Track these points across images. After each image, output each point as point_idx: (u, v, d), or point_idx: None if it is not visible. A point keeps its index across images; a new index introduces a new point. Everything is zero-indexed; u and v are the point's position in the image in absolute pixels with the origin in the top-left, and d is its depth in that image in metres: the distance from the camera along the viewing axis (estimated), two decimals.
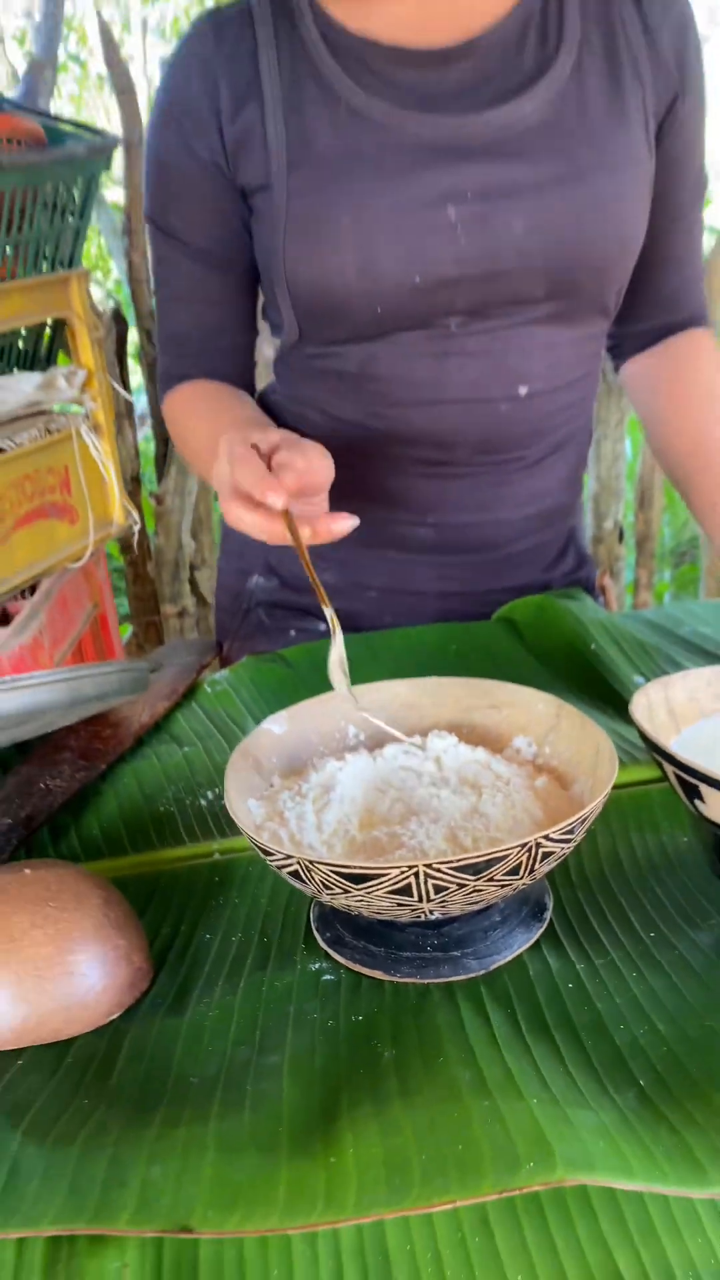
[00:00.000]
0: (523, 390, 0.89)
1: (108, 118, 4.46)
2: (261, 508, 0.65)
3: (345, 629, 1.01)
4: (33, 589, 1.19)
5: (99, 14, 1.71)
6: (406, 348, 0.86)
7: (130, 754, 0.83)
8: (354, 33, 0.83)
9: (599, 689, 0.85)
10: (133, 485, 1.82)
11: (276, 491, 0.63)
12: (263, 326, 1.00)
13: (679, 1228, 0.41)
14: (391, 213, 0.81)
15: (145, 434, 2.02)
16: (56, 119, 1.22)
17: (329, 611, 0.67)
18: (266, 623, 1.03)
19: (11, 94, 1.61)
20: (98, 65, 4.53)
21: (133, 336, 1.84)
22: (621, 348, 1.00)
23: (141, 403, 1.74)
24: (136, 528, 1.27)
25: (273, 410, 0.97)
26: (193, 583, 1.89)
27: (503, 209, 0.81)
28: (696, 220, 0.95)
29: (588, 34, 0.83)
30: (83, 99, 4.58)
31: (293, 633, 1.02)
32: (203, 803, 0.76)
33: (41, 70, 1.63)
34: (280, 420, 0.96)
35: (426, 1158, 0.40)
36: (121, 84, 1.64)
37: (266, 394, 1.00)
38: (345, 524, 0.67)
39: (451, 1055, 0.48)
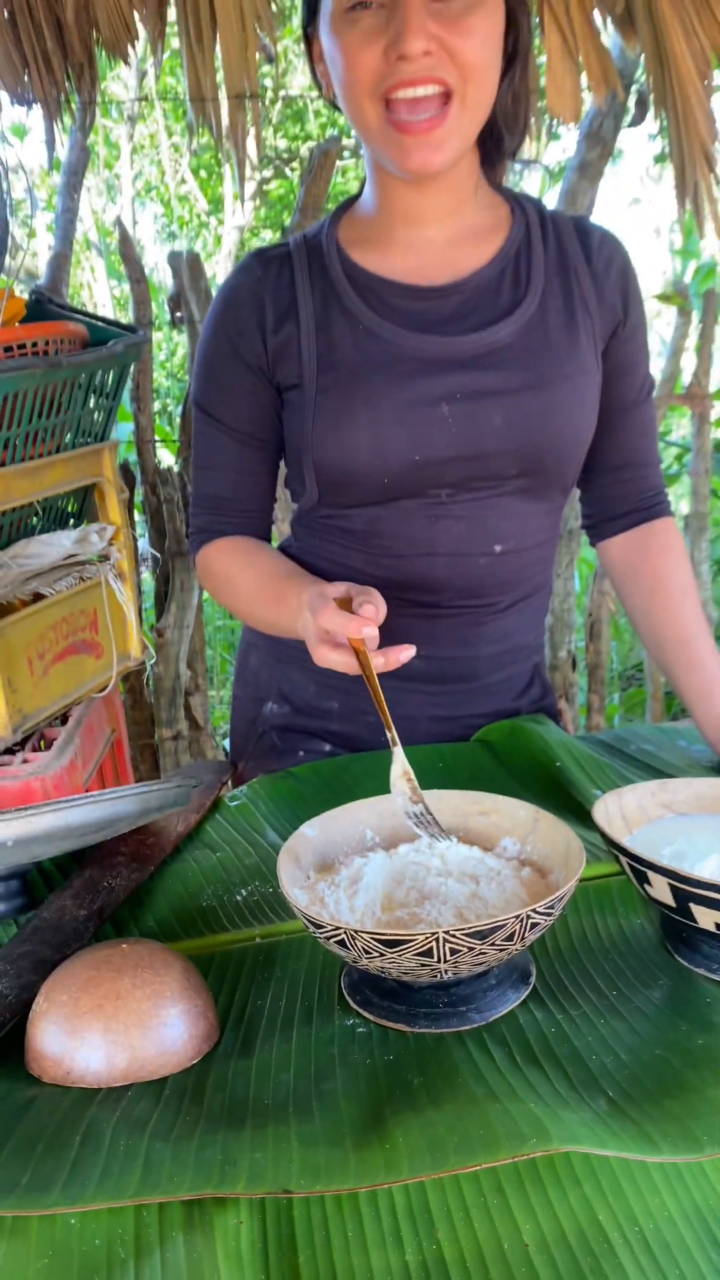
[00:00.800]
0: (498, 548, 1.09)
1: (94, 274, 4.83)
2: (342, 647, 0.86)
3: (347, 749, 1.18)
4: (64, 717, 1.34)
5: (120, 221, 1.98)
6: (405, 512, 1.06)
7: (171, 859, 0.98)
8: (371, 272, 1.06)
9: (563, 799, 1.02)
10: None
11: (367, 624, 0.85)
12: (281, 493, 1.20)
13: (640, 1189, 0.56)
14: (398, 408, 1.02)
15: (144, 573, 2.21)
16: (91, 316, 1.44)
17: (391, 734, 0.85)
18: (279, 744, 1.19)
19: (39, 282, 1.84)
20: (83, 226, 4.93)
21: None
22: (598, 530, 1.21)
23: (143, 545, 1.94)
24: (152, 662, 1.44)
25: (292, 560, 1.16)
26: (187, 708, 2.05)
27: (485, 408, 1.02)
28: (647, 417, 1.17)
29: (550, 279, 1.07)
30: (77, 259, 4.96)
31: (301, 753, 1.18)
32: (239, 898, 0.91)
33: (64, 261, 1.87)
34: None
35: (458, 1139, 0.56)
36: (135, 274, 1.88)
37: (284, 547, 1.19)
38: (408, 653, 0.86)
39: (466, 1077, 0.63)
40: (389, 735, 0.85)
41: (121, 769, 1.54)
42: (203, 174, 5.25)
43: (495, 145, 1.06)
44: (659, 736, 1.19)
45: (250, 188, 4.43)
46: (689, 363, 2.24)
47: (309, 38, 1.03)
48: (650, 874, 0.74)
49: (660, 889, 0.74)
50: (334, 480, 1.06)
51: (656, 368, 2.33)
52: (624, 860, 0.77)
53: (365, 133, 0.98)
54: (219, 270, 4.83)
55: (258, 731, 1.21)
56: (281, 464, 1.17)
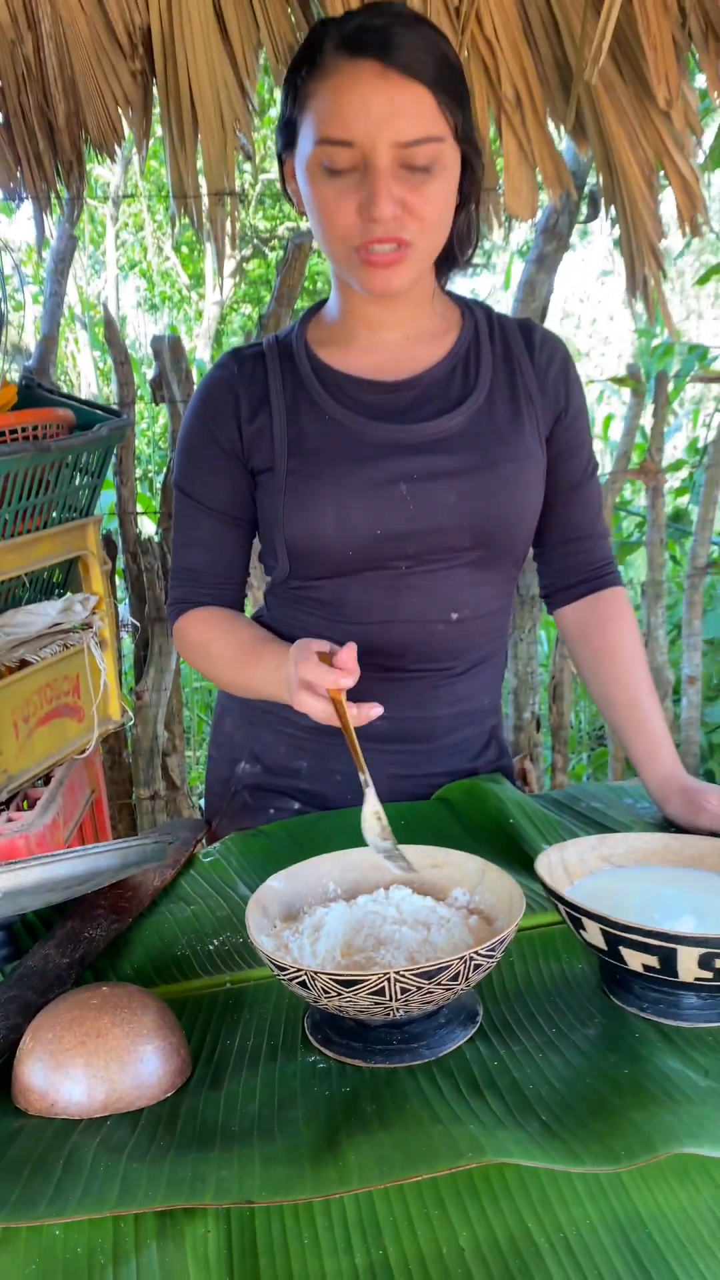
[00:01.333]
0: (454, 616, 1.18)
1: (78, 346, 4.98)
2: (320, 696, 0.96)
3: (316, 806, 1.26)
4: (47, 778, 1.41)
5: (105, 306, 2.09)
6: (368, 582, 1.15)
7: (148, 911, 1.05)
8: (336, 369, 1.17)
9: (515, 853, 1.10)
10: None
11: (347, 678, 0.95)
12: (255, 567, 1.29)
13: (565, 1200, 0.63)
14: (360, 488, 1.11)
15: (124, 638, 2.29)
16: (78, 401, 1.54)
17: (364, 775, 0.95)
18: (250, 803, 1.27)
19: (28, 362, 1.95)
20: (69, 300, 5.10)
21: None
22: (553, 598, 1.31)
23: (124, 611, 2.02)
24: (130, 724, 1.51)
25: (265, 628, 1.25)
26: (164, 768, 2.12)
27: (439, 487, 1.12)
28: (593, 493, 1.28)
29: (496, 374, 1.18)
30: (63, 333, 5.13)
31: (272, 811, 1.25)
32: (211, 948, 0.98)
33: (51, 344, 1.98)
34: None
35: (402, 1156, 0.62)
36: (119, 357, 1.99)
37: (258, 616, 1.28)
38: (376, 710, 0.97)
39: (414, 1104, 0.70)
40: (362, 777, 0.95)
41: (101, 827, 1.61)
42: (185, 250, 5.46)
43: (449, 261, 1.18)
44: (608, 795, 1.27)
45: (230, 265, 4.61)
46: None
47: (282, 159, 1.14)
48: (585, 920, 0.82)
49: (594, 934, 0.82)
50: (303, 554, 1.15)
51: (618, 434, 2.43)
52: (562, 908, 0.85)
53: (335, 262, 1.11)
54: (199, 344, 4.99)
55: (231, 790, 1.29)
56: (256, 541, 1.26)
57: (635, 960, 0.80)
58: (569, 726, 2.29)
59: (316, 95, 1.05)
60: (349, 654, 0.97)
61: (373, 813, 0.93)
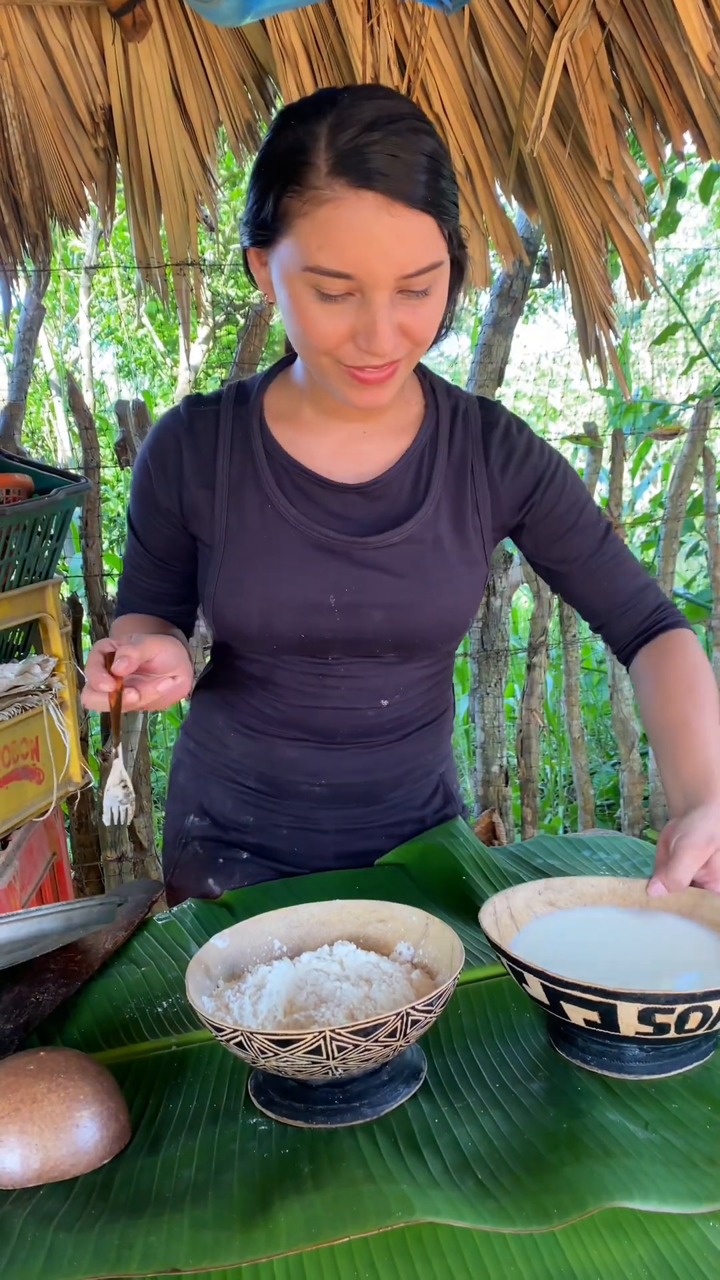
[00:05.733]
0: (384, 703, 1.18)
1: (54, 413, 5.04)
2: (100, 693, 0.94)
3: (264, 859, 1.25)
4: (4, 841, 1.40)
5: (69, 374, 2.13)
6: (295, 668, 1.15)
7: (98, 974, 1.04)
8: (287, 453, 1.13)
9: (469, 907, 1.09)
10: (82, 743, 2.06)
11: (106, 684, 0.93)
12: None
13: (499, 1259, 0.62)
14: (289, 592, 1.10)
15: None
16: (38, 466, 1.56)
17: (116, 750, 0.96)
18: (200, 853, 1.27)
19: None
20: (45, 367, 5.17)
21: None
22: (623, 654, 1.24)
23: None
24: (91, 786, 1.51)
25: (208, 694, 1.26)
26: (132, 829, 2.11)
27: (368, 604, 1.11)
28: (615, 554, 1.20)
29: (447, 482, 1.14)
30: (38, 400, 5.19)
31: (220, 860, 1.25)
32: (159, 1010, 0.97)
33: (17, 411, 2.01)
34: (215, 703, 1.25)
35: (331, 1216, 0.62)
36: (83, 423, 2.03)
37: (209, 671, 1.28)
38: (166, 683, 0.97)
39: (350, 1164, 0.69)
40: (115, 750, 0.97)
41: (62, 890, 1.59)
42: (160, 317, 5.56)
43: None
44: (565, 849, 1.27)
45: (203, 332, 4.70)
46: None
47: (246, 249, 1.04)
48: (526, 974, 0.82)
49: (535, 988, 0.82)
50: (228, 636, 1.16)
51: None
52: (505, 961, 0.84)
53: (313, 368, 1.03)
54: None
55: (183, 841, 1.29)
56: None
57: (576, 1015, 0.80)
58: (537, 779, 2.30)
59: (306, 217, 0.93)
60: (123, 664, 0.93)
61: (118, 779, 0.97)
